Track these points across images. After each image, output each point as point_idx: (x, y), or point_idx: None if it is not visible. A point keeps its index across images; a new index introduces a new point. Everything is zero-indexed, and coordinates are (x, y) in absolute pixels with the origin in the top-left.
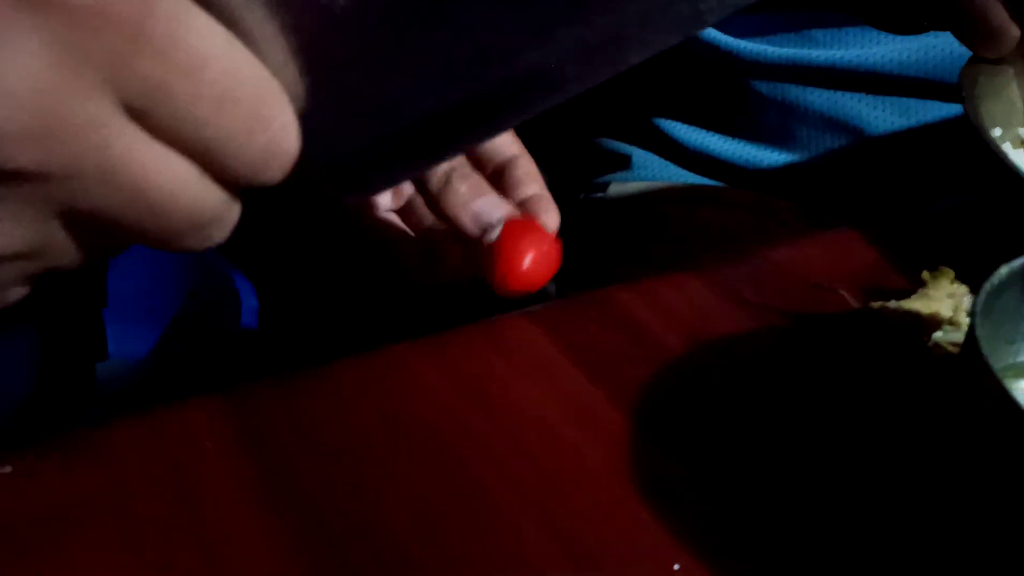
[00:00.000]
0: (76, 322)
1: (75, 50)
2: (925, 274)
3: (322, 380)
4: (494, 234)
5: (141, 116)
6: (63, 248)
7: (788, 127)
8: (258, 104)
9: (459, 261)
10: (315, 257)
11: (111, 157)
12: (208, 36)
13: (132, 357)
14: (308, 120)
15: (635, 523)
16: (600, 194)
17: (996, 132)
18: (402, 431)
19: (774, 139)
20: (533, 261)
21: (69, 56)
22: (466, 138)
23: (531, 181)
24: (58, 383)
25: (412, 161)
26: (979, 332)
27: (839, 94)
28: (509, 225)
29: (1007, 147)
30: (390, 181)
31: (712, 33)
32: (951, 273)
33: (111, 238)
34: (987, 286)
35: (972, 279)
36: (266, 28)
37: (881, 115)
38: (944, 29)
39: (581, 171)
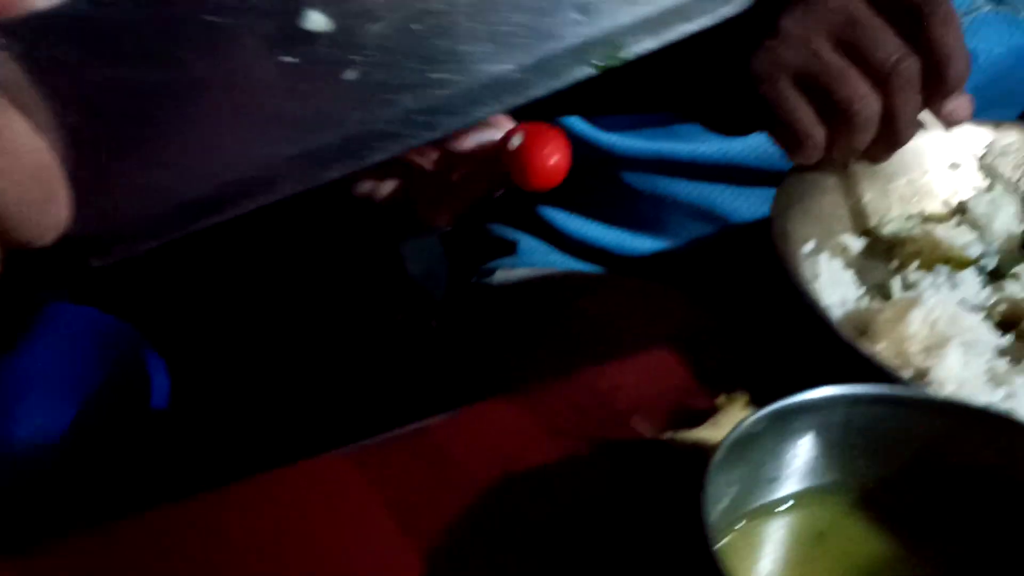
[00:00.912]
0: None
1: None
2: (720, 399)
3: (141, 526)
4: (517, 140)
5: None
6: None
7: (660, 216)
8: (53, 183)
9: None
10: (229, 337)
11: None
12: (22, 129)
13: (50, 435)
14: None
15: None
16: (488, 279)
17: (810, 245)
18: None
19: (648, 227)
20: (557, 159)
21: None
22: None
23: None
24: None
25: (154, 239)
26: (708, 487)
27: (704, 185)
28: (529, 130)
29: (824, 256)
30: (132, 252)
31: (584, 127)
32: (744, 398)
33: None
34: (728, 440)
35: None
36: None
37: (745, 204)
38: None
39: (472, 255)
